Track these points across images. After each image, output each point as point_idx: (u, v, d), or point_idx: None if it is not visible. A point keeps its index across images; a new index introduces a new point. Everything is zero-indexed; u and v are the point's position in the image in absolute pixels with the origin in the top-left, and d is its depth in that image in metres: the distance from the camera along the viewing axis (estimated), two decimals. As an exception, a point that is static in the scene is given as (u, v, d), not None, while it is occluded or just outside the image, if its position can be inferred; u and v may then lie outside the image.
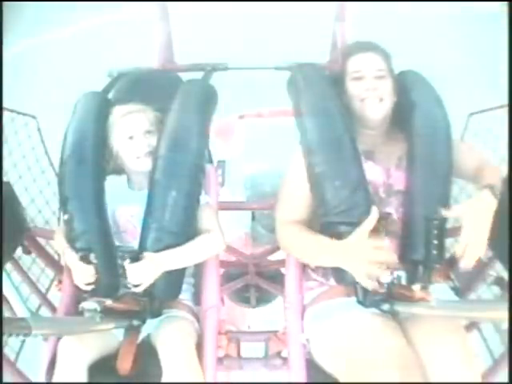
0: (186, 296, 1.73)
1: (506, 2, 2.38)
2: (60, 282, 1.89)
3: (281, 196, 1.72)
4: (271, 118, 3.06)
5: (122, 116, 1.70)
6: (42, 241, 2.08)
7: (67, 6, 4.70)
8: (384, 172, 1.66)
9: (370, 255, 1.46)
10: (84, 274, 1.58)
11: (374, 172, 1.64)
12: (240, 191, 2.69)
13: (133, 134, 1.68)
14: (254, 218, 2.62)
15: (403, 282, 1.52)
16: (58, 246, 1.75)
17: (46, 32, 4.56)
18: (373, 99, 1.64)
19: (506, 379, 1.53)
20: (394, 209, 1.64)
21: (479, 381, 1.47)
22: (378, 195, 1.63)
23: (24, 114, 2.16)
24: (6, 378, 1.65)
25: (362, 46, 1.72)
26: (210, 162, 1.93)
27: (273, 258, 2.38)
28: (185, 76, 2.05)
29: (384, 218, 1.56)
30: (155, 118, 1.72)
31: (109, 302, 1.49)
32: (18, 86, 3.81)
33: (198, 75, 2.10)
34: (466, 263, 1.49)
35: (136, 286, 1.55)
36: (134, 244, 1.64)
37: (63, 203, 1.67)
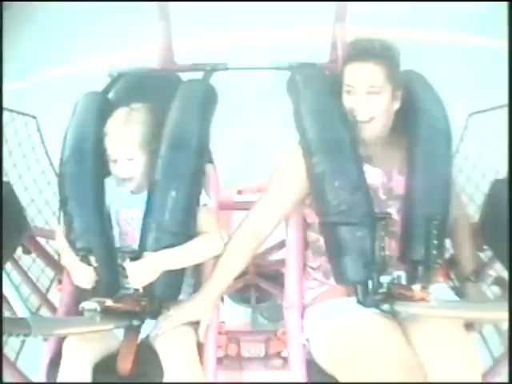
0: (184, 296, 1.73)
1: (505, 2, 2.38)
2: (60, 281, 1.89)
3: (262, 199, 1.67)
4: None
5: (112, 131, 1.63)
6: (42, 241, 2.08)
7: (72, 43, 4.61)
8: (384, 174, 1.66)
9: None
10: (84, 275, 1.57)
11: (372, 174, 1.63)
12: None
13: (116, 158, 1.63)
14: (254, 309, 2.51)
15: (403, 281, 1.53)
16: (59, 245, 1.75)
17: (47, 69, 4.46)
18: (362, 118, 1.57)
19: (506, 379, 1.53)
20: (394, 210, 1.64)
21: (479, 381, 1.47)
22: (377, 197, 1.63)
23: (24, 114, 2.16)
24: (6, 378, 1.65)
25: (363, 52, 1.56)
26: (210, 162, 1.92)
27: (273, 257, 2.38)
28: (185, 76, 2.04)
29: (384, 218, 1.56)
30: (145, 133, 1.63)
31: (109, 302, 1.49)
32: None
33: (198, 75, 2.10)
34: None
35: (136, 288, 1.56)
36: (135, 247, 1.63)
37: (63, 203, 1.67)
